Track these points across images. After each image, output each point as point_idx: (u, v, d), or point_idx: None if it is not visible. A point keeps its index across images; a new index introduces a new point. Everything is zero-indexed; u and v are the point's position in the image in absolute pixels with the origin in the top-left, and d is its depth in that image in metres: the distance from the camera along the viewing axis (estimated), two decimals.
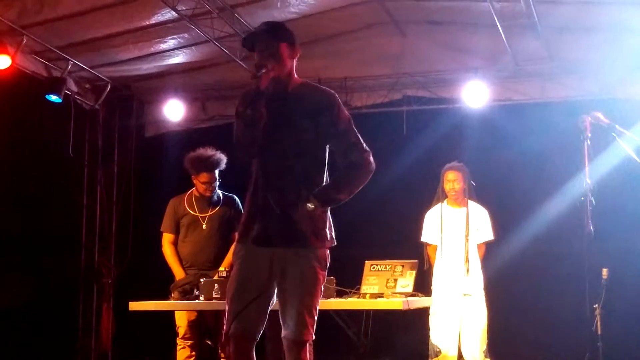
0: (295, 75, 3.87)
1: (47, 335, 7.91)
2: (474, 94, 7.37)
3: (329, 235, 3.85)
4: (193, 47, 7.41)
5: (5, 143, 7.64)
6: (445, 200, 6.28)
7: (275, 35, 3.80)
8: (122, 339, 8.30)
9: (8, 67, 6.83)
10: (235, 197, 6.36)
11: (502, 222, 6.46)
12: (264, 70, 3.68)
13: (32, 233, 8.07)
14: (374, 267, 5.31)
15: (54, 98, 7.48)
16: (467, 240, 6.13)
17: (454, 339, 6.09)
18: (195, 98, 8.45)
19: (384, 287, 5.22)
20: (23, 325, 8.06)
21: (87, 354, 8.35)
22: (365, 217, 7.74)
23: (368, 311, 5.42)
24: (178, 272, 6.14)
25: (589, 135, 4.85)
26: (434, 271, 6.23)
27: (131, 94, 8.57)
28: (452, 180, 6.20)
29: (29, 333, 7.97)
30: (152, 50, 7.42)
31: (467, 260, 6.09)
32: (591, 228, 4.79)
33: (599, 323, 6.27)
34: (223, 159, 6.17)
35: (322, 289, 3.82)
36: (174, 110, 8.30)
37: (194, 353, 6.19)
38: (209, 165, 6.14)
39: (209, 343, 6.01)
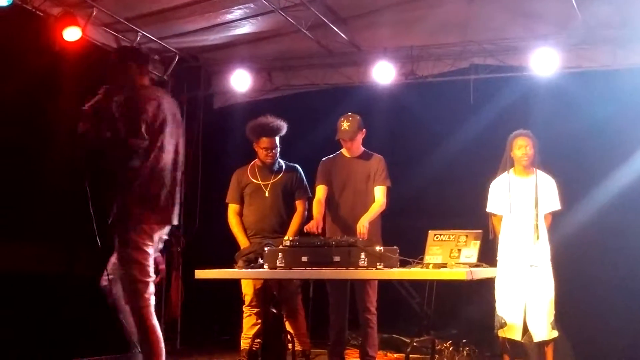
0: None
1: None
2: (543, 62, 7.23)
3: None
4: (259, 17, 7.43)
5: (76, 115, 7.79)
6: (512, 170, 6.18)
7: None
8: (191, 306, 8.46)
9: (79, 39, 6.97)
10: (298, 166, 6.41)
11: (570, 193, 6.33)
12: None
13: (105, 205, 8.23)
14: (437, 237, 5.26)
15: None
16: (537, 209, 6.04)
17: (520, 310, 6.02)
18: (261, 68, 8.49)
19: (447, 257, 5.16)
20: (94, 293, 8.26)
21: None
22: (430, 187, 7.72)
23: (431, 281, 5.40)
24: (243, 242, 6.23)
25: None
26: (500, 242, 6.15)
27: (199, 65, 8.66)
28: (524, 145, 6.08)
29: (100, 300, 8.17)
30: (219, 20, 7.47)
31: (536, 229, 6.00)
32: None
33: None
34: (283, 125, 6.24)
35: None
36: (240, 81, 8.36)
37: (259, 320, 6.29)
38: (268, 130, 6.22)
39: (274, 311, 6.08)
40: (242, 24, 7.59)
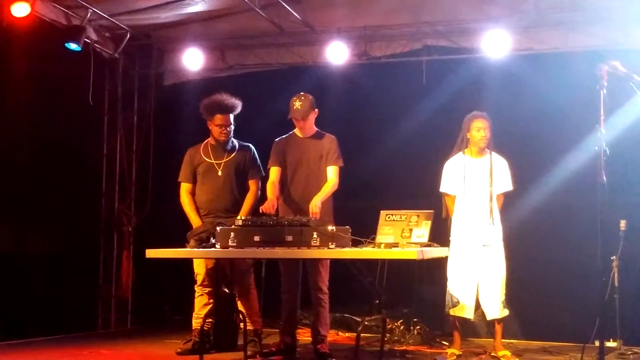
0: None
1: (68, 282, 8.04)
2: (495, 44, 7.28)
3: None
4: None
5: (26, 91, 7.69)
6: (466, 151, 6.23)
7: None
8: (142, 286, 8.40)
9: (27, 15, 6.84)
10: (251, 145, 6.38)
11: (521, 174, 6.41)
12: None
13: (52, 181, 8.14)
14: (389, 217, 5.28)
15: (73, 46, 7.49)
16: (491, 190, 6.11)
17: (472, 289, 6.10)
18: (214, 47, 8.41)
19: (399, 237, 5.19)
20: (46, 272, 8.19)
21: (108, 301, 8.49)
22: (383, 167, 7.74)
23: (383, 261, 5.43)
24: (195, 221, 6.19)
25: (605, 84, 4.76)
26: (453, 222, 6.21)
27: (150, 42, 8.56)
28: (482, 127, 6.12)
29: (51, 279, 8.10)
30: None
31: (491, 210, 6.07)
32: (604, 178, 4.72)
33: (616, 275, 6.29)
34: (238, 103, 6.21)
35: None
36: (193, 59, 8.28)
37: (211, 300, 6.28)
38: (223, 107, 6.20)
39: (226, 290, 6.07)
40: (195, 2, 7.50)
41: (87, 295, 8.33)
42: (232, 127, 6.25)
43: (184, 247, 5.81)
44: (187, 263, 6.40)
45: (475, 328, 6.97)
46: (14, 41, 7.23)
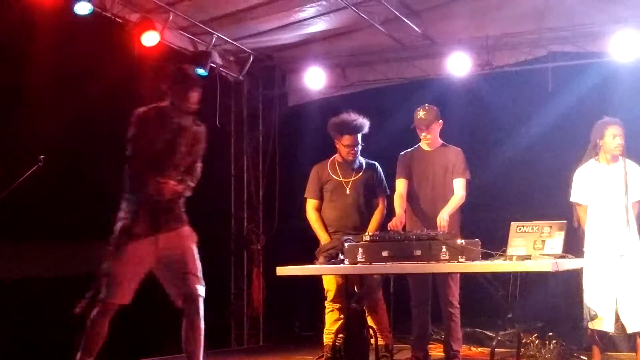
0: None
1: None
2: (623, 46, 7.03)
3: None
4: (331, 14, 7.45)
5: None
6: (596, 158, 6.03)
7: None
8: (273, 303, 8.53)
9: (157, 44, 7.11)
10: (377, 163, 6.39)
11: None
12: None
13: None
14: (520, 229, 5.17)
15: (200, 72, 7.70)
16: (627, 197, 5.88)
17: (611, 301, 5.87)
18: (335, 65, 8.50)
19: (531, 249, 5.07)
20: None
21: (240, 317, 8.65)
22: (509, 178, 7.61)
23: (515, 274, 5.32)
24: (323, 237, 6.24)
25: None
26: (587, 231, 6.00)
27: (273, 64, 8.73)
28: (618, 134, 5.92)
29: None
30: (292, 19, 7.53)
31: (628, 219, 5.84)
32: None
33: None
34: (366, 123, 6.23)
35: None
36: (315, 78, 8.39)
37: (342, 316, 6.29)
38: (352, 128, 6.22)
39: (356, 306, 6.08)
40: (315, 22, 7.62)
41: (220, 313, 8.51)
42: (360, 146, 6.27)
43: (313, 263, 5.86)
44: (317, 279, 6.45)
45: (614, 342, 6.71)
46: (144, 69, 7.50)
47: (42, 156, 5.19)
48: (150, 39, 7.04)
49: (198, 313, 4.82)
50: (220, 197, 8.72)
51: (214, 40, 7.78)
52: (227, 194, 8.79)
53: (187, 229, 4.95)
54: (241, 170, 8.82)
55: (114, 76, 6.79)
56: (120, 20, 6.99)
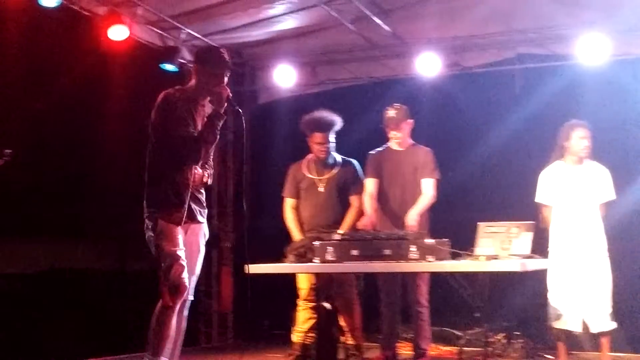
0: None
1: None
2: (591, 49, 7.09)
3: None
4: (301, 12, 7.42)
5: (124, 113, 7.89)
6: (563, 159, 6.10)
7: None
8: (242, 301, 8.49)
9: (125, 38, 7.03)
10: (354, 161, 6.38)
11: (621, 181, 6.24)
12: None
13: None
14: (488, 229, 5.24)
15: (169, 67, 7.66)
16: (592, 199, 5.96)
17: (576, 301, 5.95)
18: (305, 63, 8.47)
19: (499, 249, 5.14)
20: (147, 289, 8.35)
21: (209, 315, 8.61)
22: (478, 178, 7.66)
23: (483, 273, 5.36)
24: (297, 237, 6.23)
25: None
26: (552, 232, 6.08)
27: (243, 61, 8.68)
28: (583, 137, 6.00)
29: (152, 296, 8.26)
30: (262, 16, 7.48)
31: (592, 220, 5.92)
32: None
33: None
34: (337, 120, 6.23)
35: None
36: (285, 76, 8.36)
37: (314, 315, 6.28)
38: (323, 125, 6.23)
39: (327, 305, 6.08)
40: (285, 19, 7.59)
41: (189, 312, 8.44)
42: (332, 144, 6.27)
43: (282, 262, 5.86)
44: (289, 278, 6.43)
45: (578, 341, 6.78)
46: (111, 64, 7.45)
47: (8, 150, 5.11)
48: (118, 33, 6.97)
49: (183, 313, 4.81)
50: None
51: (183, 35, 7.72)
52: None
53: (206, 226, 4.87)
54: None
55: (82, 70, 6.74)
56: (88, 14, 6.89)
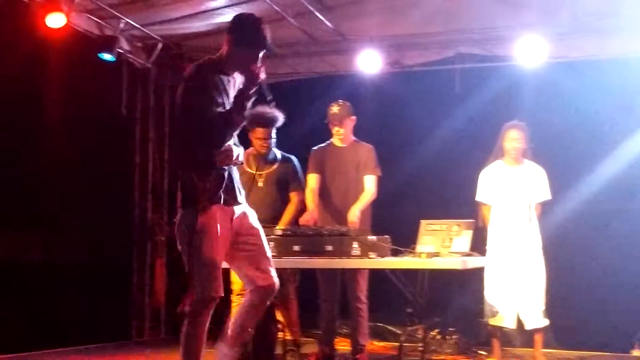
0: None
1: (101, 291, 8.05)
2: (529, 51, 7.21)
3: None
4: (243, 5, 7.33)
5: (60, 101, 7.73)
6: (502, 159, 6.21)
7: None
8: (177, 295, 8.39)
9: (63, 26, 6.87)
10: (293, 157, 6.36)
11: (558, 182, 6.37)
12: None
13: (85, 190, 8.17)
14: (429, 227, 5.29)
15: (107, 57, 7.51)
16: (528, 199, 6.07)
17: (512, 299, 6.06)
18: None
19: (440, 247, 5.20)
20: (78, 282, 8.21)
21: (141, 310, 8.49)
22: (420, 175, 7.72)
23: (423, 271, 5.41)
24: None
25: None
26: (490, 231, 6.18)
27: (182, 52, 8.57)
28: (514, 138, 6.11)
29: (83, 289, 8.12)
30: (203, 8, 7.38)
31: (528, 220, 6.04)
32: None
33: None
34: (279, 116, 6.17)
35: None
36: None
37: None
38: (265, 120, 6.15)
39: None
40: (226, 12, 7.48)
41: (120, 305, 8.34)
42: (274, 139, 6.23)
43: None
44: (224, 272, 6.35)
45: (509, 337, 6.91)
46: (48, 52, 7.28)
47: None
48: (55, 20, 6.80)
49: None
50: (124, 186, 8.54)
51: (121, 25, 7.58)
52: (130, 183, 8.60)
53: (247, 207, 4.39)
54: (146, 159, 8.64)
55: (19, 58, 6.57)
56: (26, 0, 6.72)
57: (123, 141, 8.54)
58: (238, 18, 4.27)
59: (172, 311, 8.42)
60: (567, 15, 6.96)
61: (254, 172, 6.22)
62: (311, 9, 7.24)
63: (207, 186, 4.09)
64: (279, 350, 6.08)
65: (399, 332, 7.00)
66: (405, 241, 5.32)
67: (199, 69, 4.17)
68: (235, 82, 4.26)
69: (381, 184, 6.10)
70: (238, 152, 4.29)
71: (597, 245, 7.07)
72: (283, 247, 5.34)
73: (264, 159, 6.24)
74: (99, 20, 7.54)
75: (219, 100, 4.09)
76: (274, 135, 6.19)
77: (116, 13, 7.41)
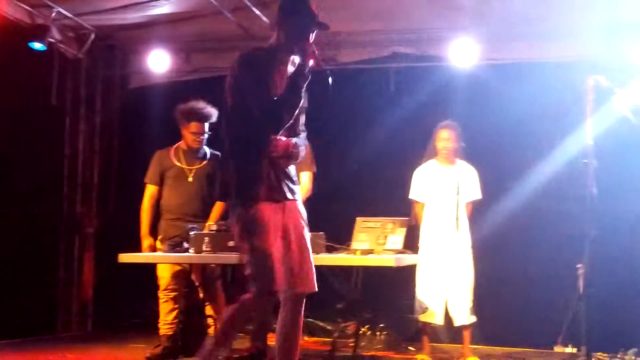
0: None
1: (28, 285, 7.87)
2: (462, 53, 7.35)
3: None
4: None
5: None
6: (435, 159, 6.31)
7: None
8: (104, 289, 8.29)
9: None
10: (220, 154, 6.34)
11: (489, 182, 6.51)
12: None
13: (10, 182, 7.97)
14: (364, 224, 5.34)
15: (37, 46, 7.35)
16: (458, 198, 6.19)
17: (441, 296, 6.18)
18: (179, 49, 8.32)
19: (374, 244, 5.25)
20: (3, 275, 8.01)
21: (68, 305, 8.33)
22: (355, 173, 7.75)
23: (357, 267, 5.46)
24: (144, 231, 6.17)
25: (591, 98, 4.88)
26: (422, 229, 6.28)
27: (115, 43, 8.45)
28: (445, 138, 6.23)
29: (9, 283, 7.93)
30: None
31: (457, 218, 6.15)
32: (594, 190, 4.84)
33: (581, 282, 6.41)
34: (214, 112, 6.18)
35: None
36: (158, 61, 8.19)
37: (177, 305, 6.20)
38: (200, 116, 6.17)
39: (195, 296, 6.03)
40: (161, 4, 7.41)
41: (46, 299, 8.18)
42: (207, 135, 6.22)
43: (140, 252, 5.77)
44: (152, 267, 6.28)
45: (437, 334, 7.03)
46: None
47: None
48: None
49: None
50: (53, 177, 8.37)
51: (53, 14, 7.42)
52: (60, 175, 8.43)
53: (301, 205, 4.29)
54: (75, 151, 8.48)
55: None
56: None
57: (53, 132, 8.36)
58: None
59: (101, 306, 8.33)
60: (498, 19, 7.11)
61: (184, 166, 6.20)
62: (248, 3, 7.21)
63: (258, 177, 4.03)
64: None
65: (329, 328, 7.06)
66: (341, 238, 5.36)
67: (248, 56, 4.17)
68: (287, 71, 4.22)
69: (317, 180, 6.12)
70: (295, 142, 4.18)
71: (526, 245, 7.22)
72: (218, 243, 5.33)
73: (194, 154, 6.24)
74: (30, 9, 7.37)
75: (270, 85, 4.02)
76: (207, 130, 6.18)
77: (48, 2, 7.26)
